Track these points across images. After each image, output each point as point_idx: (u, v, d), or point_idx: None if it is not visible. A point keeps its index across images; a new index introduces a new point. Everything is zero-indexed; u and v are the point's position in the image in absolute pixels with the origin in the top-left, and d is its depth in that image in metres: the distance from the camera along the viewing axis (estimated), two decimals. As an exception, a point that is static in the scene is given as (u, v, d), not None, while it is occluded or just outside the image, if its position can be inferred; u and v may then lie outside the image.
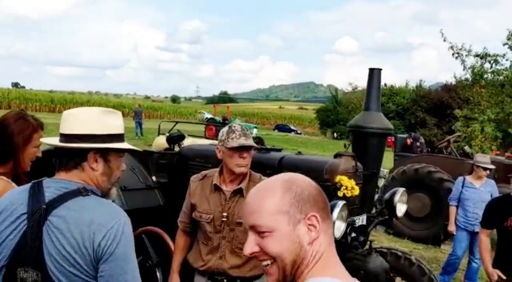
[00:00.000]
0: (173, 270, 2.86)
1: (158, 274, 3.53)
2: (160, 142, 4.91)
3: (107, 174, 1.73)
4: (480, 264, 6.03)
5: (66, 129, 1.69)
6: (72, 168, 1.67)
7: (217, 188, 2.67)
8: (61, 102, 54.62)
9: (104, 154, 1.71)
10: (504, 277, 3.77)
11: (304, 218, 1.06)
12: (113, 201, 1.81)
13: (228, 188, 2.66)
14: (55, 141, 1.71)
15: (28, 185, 1.68)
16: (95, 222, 1.55)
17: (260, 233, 1.06)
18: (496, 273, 3.82)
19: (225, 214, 2.61)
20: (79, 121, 1.71)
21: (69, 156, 1.68)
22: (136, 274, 1.62)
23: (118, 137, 1.76)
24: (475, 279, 6.07)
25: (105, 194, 1.76)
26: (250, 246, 1.08)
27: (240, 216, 2.59)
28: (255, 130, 29.26)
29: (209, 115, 38.44)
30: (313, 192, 1.10)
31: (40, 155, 2.37)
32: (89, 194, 1.63)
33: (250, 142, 2.62)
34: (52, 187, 1.63)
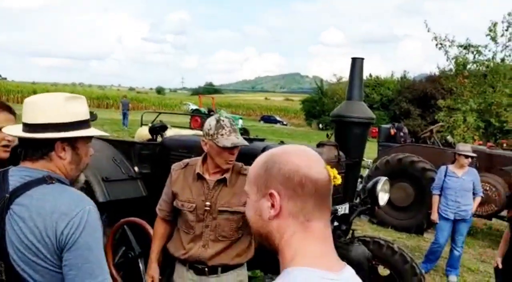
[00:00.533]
0: (152, 259, 2.84)
1: (140, 265, 3.51)
2: (143, 133, 4.86)
3: (76, 161, 1.70)
4: (461, 252, 6.13)
5: (29, 118, 1.63)
6: (39, 158, 1.63)
7: (200, 177, 2.65)
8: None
9: (72, 142, 1.67)
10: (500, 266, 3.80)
11: (267, 193, 1.05)
12: (81, 188, 1.77)
13: (211, 178, 2.65)
14: (17, 130, 1.66)
15: None
16: (58, 210, 1.52)
17: (246, 197, 1.13)
18: (497, 261, 3.79)
19: (208, 203, 2.60)
20: (43, 109, 1.65)
21: (35, 146, 1.63)
22: (101, 264, 1.58)
23: (84, 124, 1.71)
24: (457, 266, 6.17)
25: (73, 182, 1.72)
26: (244, 208, 1.17)
27: (222, 204, 2.59)
28: (240, 122, 29.20)
29: (194, 107, 38.23)
30: (287, 170, 1.04)
31: (10, 138, 2.26)
32: (54, 182, 1.59)
33: (242, 139, 2.61)
34: (16, 175, 1.59)
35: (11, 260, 1.50)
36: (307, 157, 1.08)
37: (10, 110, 2.35)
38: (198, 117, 26.53)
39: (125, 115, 25.97)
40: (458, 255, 6.09)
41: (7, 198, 1.54)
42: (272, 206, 1.05)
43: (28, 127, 1.64)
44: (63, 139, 1.65)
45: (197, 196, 2.63)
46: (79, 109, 1.72)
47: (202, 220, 2.62)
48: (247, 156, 3.54)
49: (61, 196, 1.57)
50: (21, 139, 1.66)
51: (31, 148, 1.63)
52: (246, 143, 2.64)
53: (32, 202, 1.53)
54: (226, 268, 2.63)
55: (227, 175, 2.62)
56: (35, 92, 53.85)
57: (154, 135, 4.47)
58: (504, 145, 11.35)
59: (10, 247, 1.50)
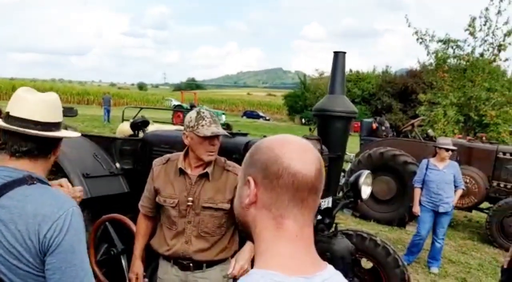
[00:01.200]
0: (136, 256, 2.81)
1: (123, 261, 3.48)
2: (124, 128, 4.80)
3: (57, 158, 1.73)
4: (443, 244, 6.22)
5: (38, 115, 1.60)
6: (41, 157, 1.61)
7: (182, 172, 2.63)
8: (22, 90, 52.86)
9: (61, 140, 1.71)
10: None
11: (247, 180, 1.01)
12: None
13: (193, 172, 2.62)
14: (32, 128, 1.58)
15: None
16: (41, 213, 1.47)
17: None
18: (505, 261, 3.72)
19: (190, 198, 2.58)
20: (53, 108, 1.67)
21: (44, 144, 1.61)
22: (85, 266, 1.54)
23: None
24: (438, 258, 6.26)
25: None
26: None
27: (205, 200, 2.57)
28: (223, 117, 29.12)
29: (176, 103, 38.01)
30: (265, 158, 0.98)
31: None
32: (35, 182, 1.55)
33: (222, 130, 2.59)
34: None
35: None
36: (292, 147, 0.99)
37: None
38: (180, 113, 26.37)
39: (107, 111, 26.46)
40: (439, 247, 6.18)
41: None
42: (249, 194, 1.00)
43: (40, 125, 1.60)
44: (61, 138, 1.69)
45: (179, 192, 2.61)
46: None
47: (185, 215, 2.60)
48: (230, 151, 3.54)
49: (43, 197, 1.53)
50: (24, 136, 1.57)
51: (39, 146, 1.60)
52: (226, 132, 2.64)
53: (13, 203, 1.48)
54: (211, 263, 2.62)
55: (209, 169, 2.60)
56: (14, 88, 52.98)
57: (136, 131, 4.41)
58: (483, 138, 11.53)
59: None
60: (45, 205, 1.50)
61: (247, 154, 1.05)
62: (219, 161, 2.69)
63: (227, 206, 2.56)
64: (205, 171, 2.60)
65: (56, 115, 1.66)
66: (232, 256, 2.69)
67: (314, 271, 0.96)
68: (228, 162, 2.70)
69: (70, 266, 1.49)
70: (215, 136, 2.55)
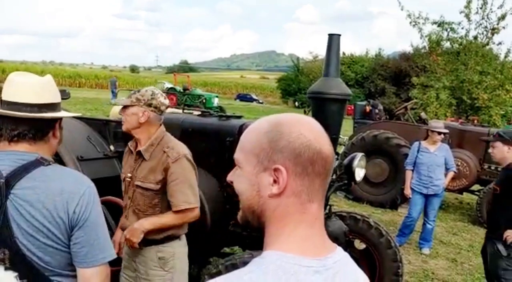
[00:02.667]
0: (118, 227, 2.93)
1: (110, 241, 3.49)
2: (118, 111, 4.77)
3: (60, 141, 1.74)
4: (434, 225, 6.31)
5: (31, 97, 1.60)
6: (40, 139, 1.61)
7: (130, 150, 2.79)
8: (12, 72, 52.30)
9: (61, 121, 1.72)
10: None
11: (271, 168, 0.93)
12: None
13: (134, 150, 2.75)
14: (22, 111, 1.58)
15: None
16: (66, 190, 1.53)
17: (237, 166, 1.00)
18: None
19: (129, 174, 2.72)
20: (47, 89, 1.67)
21: (39, 127, 1.61)
22: (108, 238, 1.63)
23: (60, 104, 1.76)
24: (430, 239, 6.35)
25: None
26: (229, 175, 1.03)
27: (139, 178, 2.65)
28: (216, 100, 28.99)
29: (169, 85, 37.76)
30: (295, 145, 0.91)
31: None
32: (50, 163, 1.59)
33: (126, 100, 2.69)
34: (5, 159, 1.54)
35: (19, 245, 1.48)
36: (315, 130, 0.95)
37: None
38: (173, 96, 26.23)
39: (113, 94, 28.02)
40: (430, 229, 6.26)
41: (3, 184, 1.49)
42: (274, 182, 0.93)
43: (30, 107, 1.59)
44: (60, 119, 1.70)
45: (126, 169, 2.77)
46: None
47: (127, 191, 2.75)
48: (224, 133, 3.54)
49: (64, 175, 1.58)
50: (19, 119, 1.57)
51: (34, 128, 1.60)
52: (127, 102, 2.67)
53: (36, 184, 1.51)
54: (146, 242, 2.61)
55: (142, 148, 2.66)
56: (3, 71, 52.39)
57: (130, 113, 4.39)
58: (475, 121, 11.60)
59: (18, 232, 1.48)
60: (69, 183, 1.55)
61: (262, 138, 0.96)
62: (164, 141, 2.70)
63: (154, 186, 2.61)
64: (138, 149, 2.69)
65: (48, 97, 1.65)
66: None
67: (326, 253, 0.95)
68: (172, 143, 2.70)
69: (97, 238, 1.57)
70: (123, 107, 2.69)
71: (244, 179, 0.97)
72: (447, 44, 16.77)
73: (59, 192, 1.51)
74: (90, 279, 1.56)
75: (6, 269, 1.50)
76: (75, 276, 1.58)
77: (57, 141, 1.71)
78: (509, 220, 3.66)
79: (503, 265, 3.68)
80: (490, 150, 4.19)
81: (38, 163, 1.55)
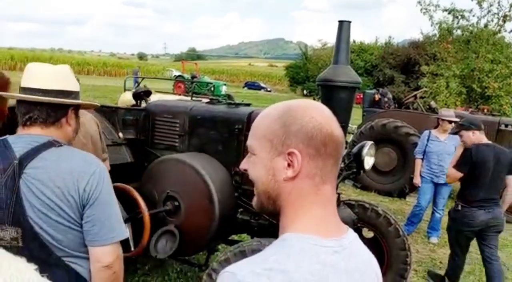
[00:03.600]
0: None
1: (127, 230, 3.51)
2: (126, 98, 4.78)
3: (75, 129, 1.78)
4: (442, 214, 6.28)
5: (45, 84, 1.66)
6: (51, 124, 1.66)
7: None
8: (21, 60, 52.57)
9: (77, 110, 1.76)
10: None
11: (285, 152, 0.96)
12: None
13: None
14: (34, 95, 1.65)
15: None
16: (76, 169, 1.56)
17: (250, 153, 1.03)
18: None
19: None
20: (61, 77, 1.71)
21: (50, 112, 1.65)
22: (119, 217, 1.66)
23: (79, 94, 1.80)
24: (438, 228, 6.32)
25: None
26: (243, 163, 1.06)
27: None
28: (224, 88, 28.95)
29: (177, 73, 37.72)
30: (308, 128, 0.95)
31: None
32: (62, 145, 1.63)
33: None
34: (20, 142, 1.59)
35: (32, 223, 1.51)
36: (325, 114, 0.99)
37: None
38: (181, 83, 26.23)
39: (136, 82, 28.41)
40: (439, 218, 6.24)
41: (17, 164, 1.54)
42: (289, 166, 0.96)
43: (42, 92, 1.65)
44: (74, 107, 1.73)
45: None
46: (76, 80, 1.80)
47: None
48: (233, 121, 3.53)
49: (74, 156, 1.62)
50: (29, 103, 1.64)
51: (45, 113, 1.64)
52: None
53: (47, 164, 1.55)
54: None
55: None
56: (12, 58, 52.62)
57: (138, 101, 4.39)
58: (485, 110, 11.49)
59: (31, 210, 1.51)
60: (78, 163, 1.59)
61: (275, 124, 0.99)
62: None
63: None
64: None
65: (63, 84, 1.70)
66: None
67: (341, 233, 1.00)
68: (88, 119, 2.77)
69: (108, 216, 1.60)
70: None
71: (259, 165, 1.00)
72: (458, 32, 16.55)
73: (69, 171, 1.55)
74: (102, 258, 1.59)
75: (18, 249, 1.52)
76: (87, 258, 1.61)
77: (71, 129, 1.74)
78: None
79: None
80: (460, 140, 4.63)
81: (50, 144, 1.60)
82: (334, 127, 0.97)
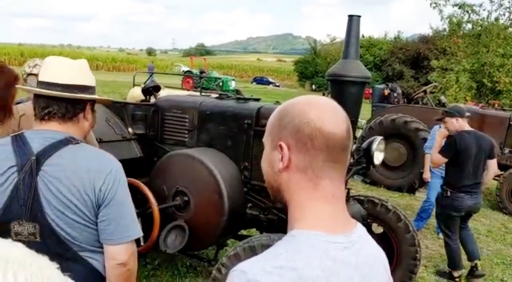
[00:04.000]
0: None
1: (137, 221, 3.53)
2: (135, 93, 4.79)
3: (92, 124, 1.79)
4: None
5: (64, 79, 1.66)
6: (69, 119, 1.66)
7: None
8: (31, 55, 52.86)
9: (93, 104, 1.77)
10: None
11: (278, 145, 1.00)
12: None
13: None
14: (52, 90, 1.65)
15: (7, 139, 1.63)
16: (93, 168, 1.57)
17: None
18: None
19: None
20: (79, 72, 1.72)
21: (70, 106, 1.66)
22: (134, 216, 1.66)
23: (95, 89, 1.80)
24: None
25: None
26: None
27: None
28: (233, 83, 28.94)
29: (185, 68, 37.79)
30: (295, 122, 0.97)
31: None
32: (79, 142, 1.64)
33: None
34: (37, 138, 1.60)
35: (49, 220, 1.52)
36: (322, 108, 0.99)
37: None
38: (190, 79, 26.27)
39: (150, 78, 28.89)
40: None
41: (34, 160, 1.54)
42: (282, 158, 0.99)
43: (61, 87, 1.65)
44: (91, 102, 1.74)
45: None
46: (92, 75, 1.81)
47: None
48: (242, 116, 3.53)
49: (91, 154, 1.63)
50: (47, 98, 1.64)
51: (64, 108, 1.65)
52: None
53: (64, 162, 1.55)
54: None
55: None
56: (22, 54, 53.00)
57: (147, 96, 4.40)
58: (496, 105, 11.38)
59: (48, 207, 1.52)
60: (95, 161, 1.60)
61: (274, 118, 1.03)
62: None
63: None
64: None
65: (80, 79, 1.70)
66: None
67: (350, 228, 1.01)
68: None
69: (123, 216, 1.61)
70: None
71: (265, 158, 1.06)
72: (468, 26, 16.40)
73: (85, 170, 1.55)
74: (116, 256, 1.60)
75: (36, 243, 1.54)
76: (103, 253, 1.63)
77: (88, 124, 1.75)
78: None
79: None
80: (442, 126, 4.90)
81: (67, 141, 1.60)
82: (327, 122, 0.97)
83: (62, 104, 1.64)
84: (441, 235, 6.16)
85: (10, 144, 1.58)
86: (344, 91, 3.52)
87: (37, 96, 1.66)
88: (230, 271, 0.91)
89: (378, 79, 35.96)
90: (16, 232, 1.54)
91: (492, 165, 4.78)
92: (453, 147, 4.54)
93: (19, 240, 1.52)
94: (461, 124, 4.66)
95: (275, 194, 1.06)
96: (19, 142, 1.58)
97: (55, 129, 1.63)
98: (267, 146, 1.05)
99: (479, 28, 15.94)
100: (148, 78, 5.84)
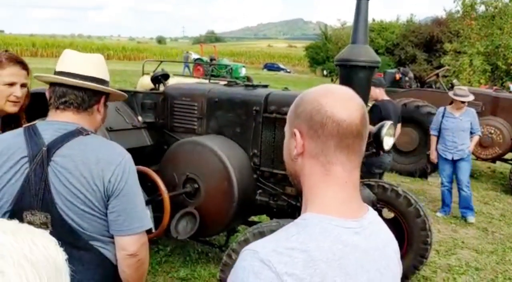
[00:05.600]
0: None
1: (148, 212, 3.57)
2: (145, 82, 4.80)
3: (103, 118, 1.80)
4: (469, 192, 6.17)
5: (82, 70, 1.68)
6: (83, 110, 1.68)
7: None
8: (42, 46, 53.29)
9: (107, 99, 1.78)
10: None
11: (293, 132, 1.04)
12: None
13: None
14: (72, 79, 1.67)
15: (20, 129, 1.66)
16: (102, 159, 1.58)
17: None
18: None
19: None
20: (97, 65, 1.74)
21: (86, 97, 1.68)
22: (144, 207, 1.67)
23: (109, 84, 1.82)
24: (471, 207, 6.22)
25: None
26: None
27: None
28: (243, 70, 28.85)
29: (196, 56, 37.74)
30: (308, 109, 1.01)
31: (19, 94, 2.27)
32: (89, 133, 1.65)
33: None
34: (49, 129, 1.62)
35: (59, 210, 1.55)
36: (335, 97, 1.02)
37: (23, 65, 2.29)
38: (200, 66, 26.23)
39: (186, 66, 29.47)
40: (466, 196, 6.13)
41: (46, 151, 1.56)
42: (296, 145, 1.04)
43: (79, 77, 1.67)
44: (106, 95, 1.76)
45: None
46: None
47: None
48: (251, 103, 3.53)
49: (101, 146, 1.63)
50: (68, 88, 1.66)
51: (80, 98, 1.67)
52: None
53: (74, 152, 1.57)
54: None
55: None
56: (34, 45, 53.33)
57: (157, 84, 4.41)
58: (511, 87, 11.20)
59: (58, 198, 1.55)
60: (105, 152, 1.61)
61: (292, 107, 1.07)
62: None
63: None
64: None
65: (96, 72, 1.72)
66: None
67: (362, 214, 1.03)
68: None
69: (133, 207, 1.62)
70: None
71: (285, 146, 1.10)
72: (481, 8, 16.10)
73: (95, 161, 1.56)
74: (127, 247, 1.62)
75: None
76: (113, 242, 1.64)
77: (101, 117, 1.77)
78: None
79: None
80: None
81: (78, 132, 1.61)
82: (339, 109, 0.99)
83: (79, 94, 1.66)
84: (469, 219, 6.16)
85: (23, 135, 1.60)
86: (352, 76, 3.49)
87: (54, 85, 1.68)
88: (242, 250, 0.94)
89: (390, 64, 35.54)
90: (28, 221, 1.56)
91: (398, 128, 5.68)
92: (378, 115, 5.13)
93: None
94: (382, 93, 5.59)
95: (293, 180, 1.10)
96: (31, 133, 1.60)
97: (68, 119, 1.65)
98: (286, 134, 1.09)
99: (493, 9, 15.65)
100: (158, 66, 5.84)
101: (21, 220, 1.56)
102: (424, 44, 36.84)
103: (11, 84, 2.22)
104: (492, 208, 6.95)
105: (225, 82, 4.09)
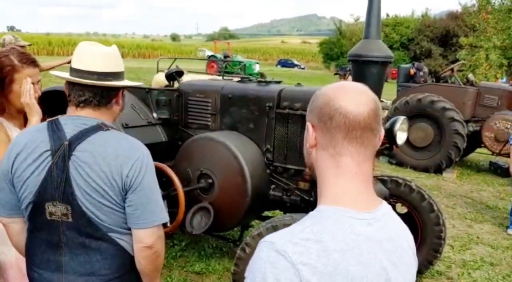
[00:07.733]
0: None
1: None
2: (160, 79, 4.86)
3: (122, 108, 1.84)
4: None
5: (99, 66, 1.70)
6: (103, 106, 1.72)
7: None
8: (59, 44, 53.88)
9: (124, 90, 1.82)
10: None
11: (307, 126, 1.10)
12: None
13: None
14: (88, 78, 1.69)
15: (44, 124, 1.71)
16: (121, 154, 1.62)
17: None
18: None
19: None
20: (113, 58, 1.76)
21: (105, 94, 1.72)
22: (161, 201, 1.71)
23: (124, 73, 1.84)
24: None
25: None
26: None
27: None
28: (257, 66, 28.86)
29: (210, 53, 37.82)
30: (320, 103, 1.06)
31: (38, 92, 2.35)
32: (109, 128, 1.69)
33: None
34: (70, 123, 1.67)
35: (79, 203, 1.61)
36: (346, 91, 1.05)
37: (35, 64, 2.37)
38: (214, 63, 26.31)
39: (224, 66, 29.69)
40: None
41: (67, 145, 1.62)
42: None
43: (96, 75, 1.69)
44: (124, 88, 1.79)
45: None
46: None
47: None
48: (264, 99, 3.56)
49: (121, 141, 1.67)
50: (86, 87, 1.69)
51: (99, 96, 1.71)
52: None
53: (94, 147, 1.62)
54: None
55: None
56: (50, 44, 53.94)
57: (171, 81, 4.46)
58: (528, 82, 11.04)
59: (78, 190, 1.60)
60: (124, 148, 1.65)
61: (309, 102, 1.13)
62: None
63: None
64: None
65: (112, 66, 1.75)
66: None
67: (375, 206, 1.06)
68: None
69: (150, 202, 1.66)
70: None
71: (304, 139, 1.15)
72: (497, 1, 15.86)
73: (114, 156, 1.61)
74: (143, 240, 1.67)
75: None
76: (131, 234, 1.69)
77: (119, 108, 1.81)
78: None
79: None
80: None
81: (98, 128, 1.66)
82: (347, 102, 1.02)
83: (97, 91, 1.70)
84: (510, 231, 5.65)
85: (46, 129, 1.66)
86: (365, 72, 3.50)
87: (72, 84, 1.71)
88: (259, 242, 0.98)
89: (405, 59, 35.23)
90: (50, 212, 1.63)
91: None
92: None
93: (53, 220, 1.63)
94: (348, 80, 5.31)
95: (311, 172, 1.15)
96: (54, 127, 1.66)
97: (88, 115, 1.69)
98: (308, 127, 1.12)
99: (509, 3, 15.41)
100: (172, 63, 5.90)
101: (43, 210, 1.63)
102: (440, 39, 36.45)
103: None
104: (508, 203, 6.86)
105: (239, 79, 4.12)
